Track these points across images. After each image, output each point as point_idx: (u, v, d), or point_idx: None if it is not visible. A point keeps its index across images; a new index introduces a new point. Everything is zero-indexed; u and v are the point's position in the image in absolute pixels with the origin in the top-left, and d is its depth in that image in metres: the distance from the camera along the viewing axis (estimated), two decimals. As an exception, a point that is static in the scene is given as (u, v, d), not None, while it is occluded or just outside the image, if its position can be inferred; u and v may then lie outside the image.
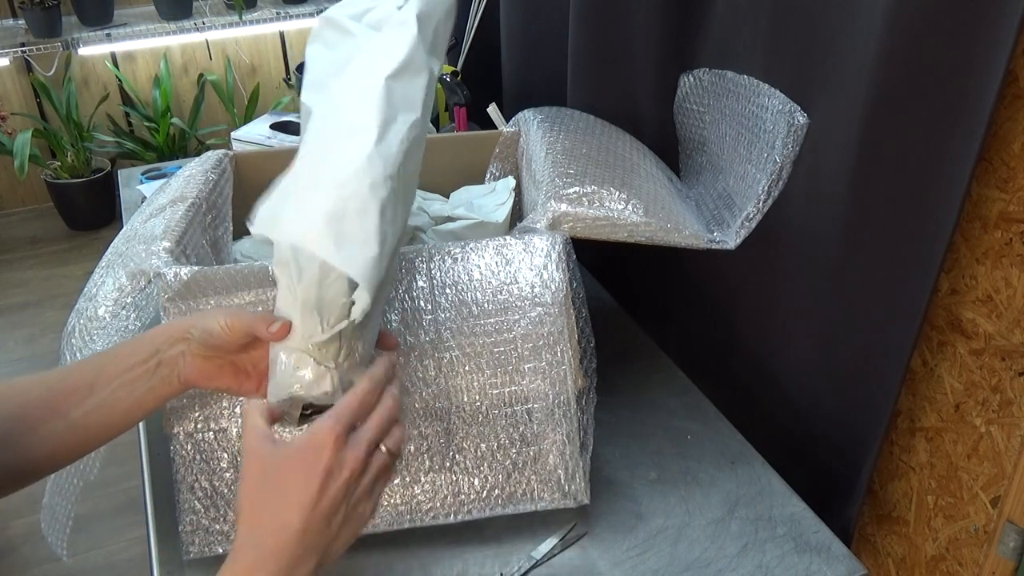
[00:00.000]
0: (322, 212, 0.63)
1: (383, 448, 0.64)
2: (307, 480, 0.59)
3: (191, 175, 1.08)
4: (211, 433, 0.84)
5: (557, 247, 0.88)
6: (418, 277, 0.87)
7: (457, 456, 0.86)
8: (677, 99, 1.17)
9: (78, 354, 0.87)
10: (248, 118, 3.27)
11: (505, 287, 0.87)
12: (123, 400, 0.70)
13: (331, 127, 0.69)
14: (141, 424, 1.06)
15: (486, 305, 0.87)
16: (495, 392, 0.86)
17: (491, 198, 1.24)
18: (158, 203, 1.02)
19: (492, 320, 0.86)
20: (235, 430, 0.84)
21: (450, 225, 1.17)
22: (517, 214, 1.24)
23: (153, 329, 0.73)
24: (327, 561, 0.61)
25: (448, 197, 1.29)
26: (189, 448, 0.84)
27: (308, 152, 0.68)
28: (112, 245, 0.98)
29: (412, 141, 0.70)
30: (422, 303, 0.86)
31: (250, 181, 1.21)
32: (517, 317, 0.86)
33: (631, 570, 0.86)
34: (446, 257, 0.88)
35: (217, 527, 0.84)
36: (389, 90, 0.69)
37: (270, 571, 0.58)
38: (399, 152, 0.68)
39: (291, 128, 1.70)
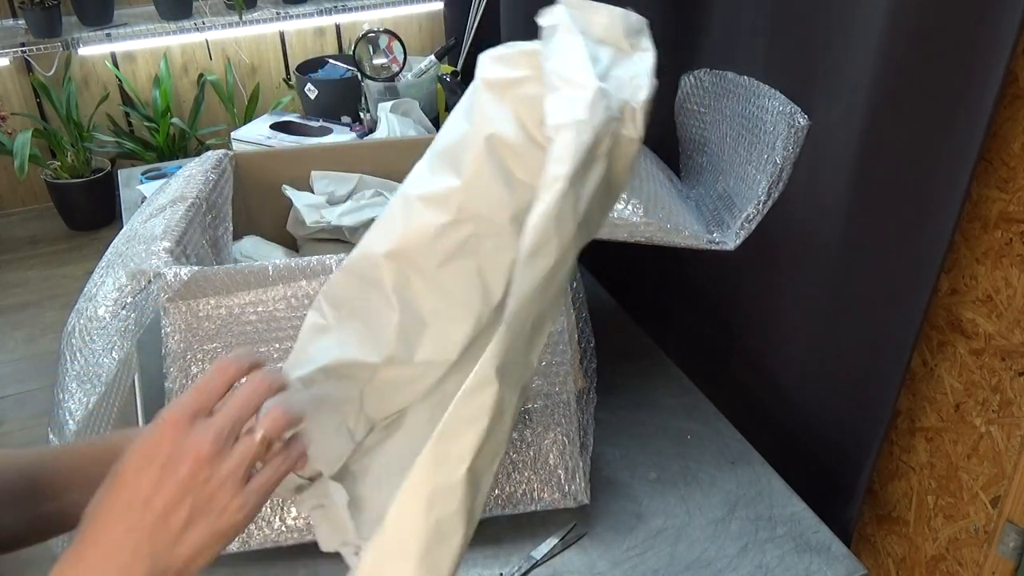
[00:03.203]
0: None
1: (257, 434, 0.53)
2: (138, 475, 0.51)
3: (191, 175, 1.08)
4: (211, 433, 0.83)
5: (557, 247, 0.88)
6: (418, 277, 0.87)
7: (457, 456, 0.86)
8: (678, 100, 1.17)
9: (78, 354, 0.87)
10: (248, 118, 3.26)
11: (505, 287, 0.87)
12: None
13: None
14: (140, 423, 1.06)
15: (486, 305, 0.86)
16: (495, 392, 0.85)
17: (491, 198, 1.23)
18: (158, 203, 1.02)
19: (492, 320, 0.86)
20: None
21: (450, 225, 1.17)
22: (517, 214, 1.23)
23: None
24: (177, 565, 0.51)
25: (448, 197, 1.28)
26: (189, 448, 0.83)
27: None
28: (112, 245, 0.98)
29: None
30: (422, 303, 0.86)
31: (250, 181, 1.21)
32: (517, 317, 0.86)
33: (631, 570, 0.86)
34: (446, 257, 0.88)
35: (217, 527, 0.84)
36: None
37: None
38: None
39: (291, 128, 1.70)
